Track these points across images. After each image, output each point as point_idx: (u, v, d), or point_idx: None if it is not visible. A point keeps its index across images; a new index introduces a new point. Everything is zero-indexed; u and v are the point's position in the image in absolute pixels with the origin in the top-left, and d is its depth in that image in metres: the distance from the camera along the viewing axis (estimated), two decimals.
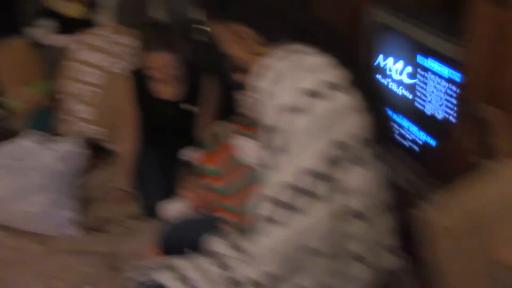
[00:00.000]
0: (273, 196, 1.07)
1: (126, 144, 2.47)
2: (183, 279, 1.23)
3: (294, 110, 1.03)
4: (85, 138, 2.66)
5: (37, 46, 3.04)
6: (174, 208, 2.16)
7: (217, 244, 1.22)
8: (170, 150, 2.51)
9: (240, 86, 2.56)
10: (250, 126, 1.36)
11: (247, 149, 1.28)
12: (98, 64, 2.80)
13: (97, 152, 2.84)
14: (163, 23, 2.28)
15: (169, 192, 2.41)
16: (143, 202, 2.42)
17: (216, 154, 1.33)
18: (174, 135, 2.47)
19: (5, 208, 2.23)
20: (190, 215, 1.86)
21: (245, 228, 1.19)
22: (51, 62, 2.99)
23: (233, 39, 1.18)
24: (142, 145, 2.50)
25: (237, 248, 1.17)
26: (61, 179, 2.27)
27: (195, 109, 2.44)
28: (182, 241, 1.48)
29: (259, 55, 1.15)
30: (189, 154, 2.05)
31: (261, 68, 1.10)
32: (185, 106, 2.41)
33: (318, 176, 1.05)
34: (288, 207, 1.06)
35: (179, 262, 1.24)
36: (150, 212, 2.40)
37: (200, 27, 2.82)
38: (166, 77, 2.26)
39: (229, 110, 2.52)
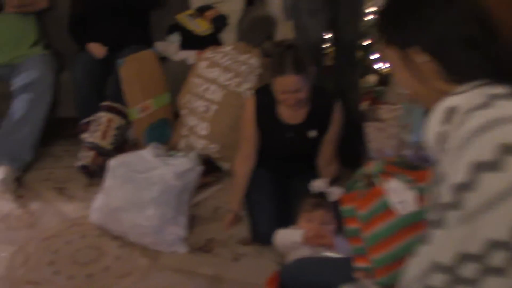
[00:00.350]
0: (448, 265, 0.87)
1: (242, 165, 2.40)
2: None
3: (494, 168, 0.82)
4: (201, 155, 2.62)
5: (164, 60, 3.08)
6: (287, 238, 2.03)
7: None
8: (287, 176, 2.40)
9: (372, 118, 2.44)
10: (407, 169, 1.20)
11: (400, 195, 1.11)
12: (222, 82, 2.77)
13: (211, 170, 2.81)
14: (293, 45, 2.17)
15: (281, 221, 2.29)
16: (253, 228, 2.32)
17: (366, 196, 1.18)
18: (293, 161, 2.36)
19: (120, 219, 2.22)
20: (316, 254, 1.71)
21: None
22: (175, 76, 3.02)
23: (406, 68, 1.01)
24: (259, 168, 2.41)
25: None
26: (176, 196, 2.23)
27: (319, 136, 2.32)
28: (304, 282, 1.35)
29: (439, 91, 0.97)
30: (322, 187, 1.94)
31: (446, 110, 0.91)
32: (309, 131, 2.29)
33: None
34: (466, 282, 0.86)
35: None
36: (259, 238, 2.30)
37: (326, 50, 2.71)
38: (293, 100, 2.15)
39: (353, 143, 2.38)
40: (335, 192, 1.89)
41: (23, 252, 2.24)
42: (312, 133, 2.31)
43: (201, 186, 2.56)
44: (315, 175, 2.32)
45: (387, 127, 2.32)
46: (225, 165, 2.82)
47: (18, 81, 2.84)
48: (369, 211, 1.16)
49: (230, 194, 2.60)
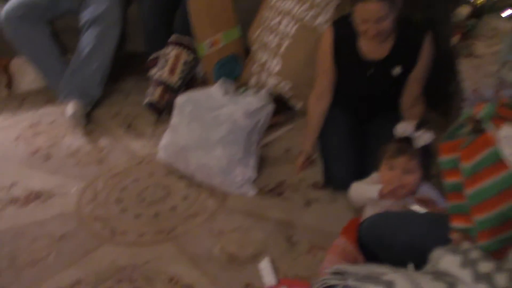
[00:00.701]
0: None
1: (317, 103, 2.21)
2: None
3: None
4: (272, 93, 2.45)
5: None
6: (362, 194, 1.84)
7: (450, 263, 0.89)
8: (366, 119, 2.20)
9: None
10: None
11: None
12: (296, 14, 2.55)
13: (282, 108, 2.65)
14: None
15: (358, 166, 2.12)
16: (326, 172, 2.16)
17: (472, 145, 0.97)
18: (373, 102, 2.15)
19: (187, 157, 2.13)
20: (398, 206, 1.52)
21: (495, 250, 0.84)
22: (246, 8, 2.83)
23: None
24: (334, 109, 2.21)
25: (481, 277, 0.84)
26: (246, 135, 2.10)
27: (404, 73, 2.08)
28: (386, 240, 1.18)
29: None
30: (408, 130, 1.69)
31: None
32: (393, 68, 2.06)
33: None
34: None
35: (393, 277, 0.94)
36: (333, 184, 2.14)
37: None
38: (375, 31, 1.92)
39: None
40: (423, 137, 1.64)
41: (92, 188, 2.22)
42: (396, 70, 2.06)
43: (272, 125, 2.40)
44: (397, 117, 2.10)
45: (483, 64, 2.02)
46: (297, 104, 2.65)
47: (86, 15, 2.76)
48: (475, 163, 0.96)
49: (303, 135, 2.44)
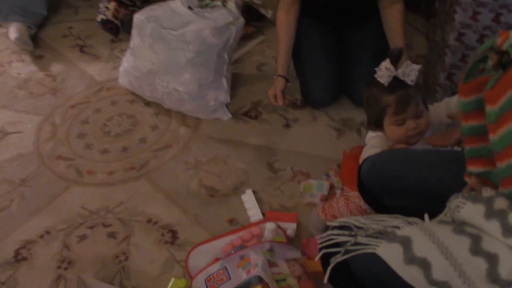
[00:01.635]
0: None
1: (286, 18, 1.96)
2: (414, 259, 0.83)
3: None
4: (240, 2, 2.20)
5: None
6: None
7: (472, 212, 0.78)
8: (341, 27, 2.01)
9: None
10: None
11: None
12: None
13: (252, 18, 2.42)
14: None
15: (338, 81, 1.97)
16: (305, 89, 2.01)
17: (499, 84, 0.81)
18: (347, 5, 1.92)
19: (153, 83, 1.93)
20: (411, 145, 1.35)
21: None
22: None
23: None
24: (305, 21, 2.00)
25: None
26: (216, 55, 1.89)
27: None
28: (393, 183, 1.06)
29: None
30: (390, 70, 1.42)
31: None
32: None
33: None
34: None
35: (409, 231, 0.83)
36: (313, 102, 2.00)
37: None
38: None
39: None
40: (412, 71, 1.34)
41: (49, 123, 2.01)
42: None
43: (242, 37, 2.18)
44: (377, 22, 1.91)
45: None
46: (268, 13, 2.42)
47: None
48: (502, 104, 0.81)
49: (275, 50, 2.26)
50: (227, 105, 2.01)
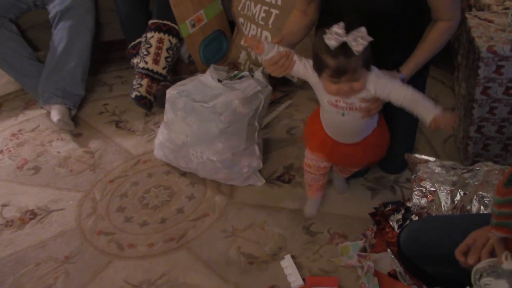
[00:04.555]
0: None
1: (300, 18, 1.78)
2: None
3: None
4: (264, 68, 2.27)
5: None
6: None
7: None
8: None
9: None
10: None
11: None
12: None
13: (278, 83, 2.50)
14: None
15: None
16: None
17: None
18: (379, 28, 1.52)
19: (188, 154, 1.99)
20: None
21: None
22: None
23: None
24: None
25: None
26: (247, 123, 1.95)
27: None
28: (430, 249, 1.06)
29: None
30: (339, 36, 1.35)
31: None
32: None
33: None
34: None
35: None
36: None
37: None
38: None
39: None
40: (358, 40, 1.31)
41: (90, 198, 2.08)
42: None
43: (270, 103, 2.25)
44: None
45: (493, 17, 1.87)
46: (294, 77, 2.50)
47: (55, 7, 2.54)
48: None
49: (304, 113, 2.32)
50: (260, 171, 2.05)
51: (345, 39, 1.34)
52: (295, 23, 1.77)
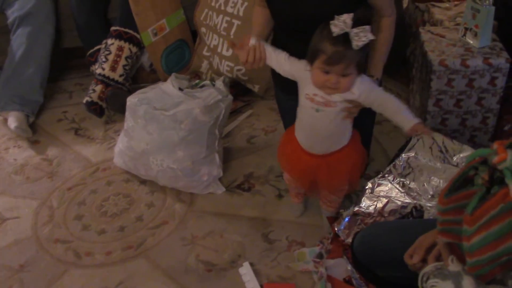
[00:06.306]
0: None
1: (262, 12, 1.78)
2: None
3: None
4: (227, 80, 2.30)
5: None
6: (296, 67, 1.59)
7: None
8: None
9: None
10: None
11: None
12: None
13: (239, 93, 2.53)
14: None
15: None
16: None
17: (483, 208, 0.83)
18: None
19: (147, 162, 1.99)
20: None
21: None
22: None
23: None
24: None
25: None
26: (207, 132, 1.97)
27: None
28: (381, 255, 1.10)
29: None
30: (346, 24, 1.38)
31: None
32: None
33: None
34: None
35: None
36: None
37: None
38: None
39: None
40: (361, 36, 1.36)
41: (46, 206, 2.05)
42: None
43: (231, 112, 2.27)
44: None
45: (445, 32, 1.95)
46: (255, 87, 2.53)
47: (13, 12, 2.50)
48: (481, 223, 0.84)
49: (264, 122, 2.35)
50: (220, 179, 2.06)
51: (349, 30, 1.37)
52: (261, 16, 1.77)
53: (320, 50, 1.42)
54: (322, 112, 1.53)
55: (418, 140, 1.72)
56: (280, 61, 1.58)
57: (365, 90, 1.50)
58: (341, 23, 1.38)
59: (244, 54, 1.57)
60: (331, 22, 1.39)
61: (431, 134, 1.65)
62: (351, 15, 1.37)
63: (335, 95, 1.50)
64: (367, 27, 1.38)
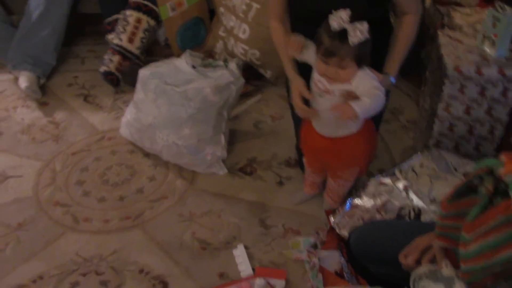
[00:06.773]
0: None
1: (277, 23, 1.74)
2: None
3: None
4: (240, 63, 2.30)
5: None
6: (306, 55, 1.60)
7: None
8: None
9: None
10: None
11: None
12: None
13: (251, 77, 2.53)
14: None
15: None
16: (299, 150, 2.07)
17: (483, 217, 0.84)
18: None
19: (153, 136, 2.00)
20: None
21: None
22: None
23: None
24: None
25: None
26: (216, 112, 1.97)
27: None
28: (375, 252, 1.12)
29: None
30: (342, 19, 1.40)
31: None
32: None
33: None
34: None
35: None
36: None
37: None
38: None
39: None
40: (357, 32, 1.37)
41: (49, 169, 2.07)
42: None
43: (241, 95, 2.27)
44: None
45: (463, 37, 1.94)
46: (267, 73, 2.53)
47: None
48: (485, 244, 0.85)
49: (272, 108, 2.35)
50: (223, 160, 2.07)
51: (346, 26, 1.39)
52: (282, 35, 1.72)
53: (320, 42, 1.46)
54: (323, 98, 1.57)
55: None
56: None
57: (362, 85, 1.51)
58: (338, 18, 1.40)
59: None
60: (329, 16, 1.42)
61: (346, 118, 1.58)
62: (348, 11, 1.40)
63: (334, 86, 1.53)
64: (364, 24, 1.40)
